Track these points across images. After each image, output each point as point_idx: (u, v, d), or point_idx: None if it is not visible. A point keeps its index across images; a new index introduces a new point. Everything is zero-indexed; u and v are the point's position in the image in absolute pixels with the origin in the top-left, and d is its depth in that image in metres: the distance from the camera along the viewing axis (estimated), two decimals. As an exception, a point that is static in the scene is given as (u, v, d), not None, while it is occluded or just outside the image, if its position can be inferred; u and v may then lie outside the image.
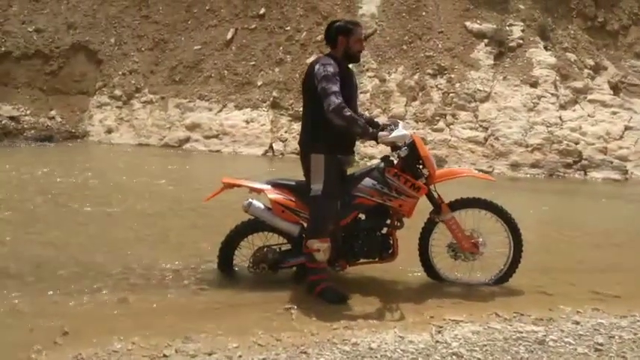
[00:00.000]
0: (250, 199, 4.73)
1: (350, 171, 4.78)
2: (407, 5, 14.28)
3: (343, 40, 4.47)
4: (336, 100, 4.19)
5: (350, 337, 3.62)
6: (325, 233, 4.43)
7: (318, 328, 3.79)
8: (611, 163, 11.18)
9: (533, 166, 11.05)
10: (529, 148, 11.34)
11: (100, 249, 5.47)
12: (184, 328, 3.71)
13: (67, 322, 3.79)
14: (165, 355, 3.33)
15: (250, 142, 12.33)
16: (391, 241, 4.68)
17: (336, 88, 4.22)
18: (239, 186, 4.93)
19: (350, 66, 4.61)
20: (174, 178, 9.72)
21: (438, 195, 4.76)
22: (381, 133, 4.38)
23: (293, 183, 4.88)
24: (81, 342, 3.48)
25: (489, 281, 4.81)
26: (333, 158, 4.39)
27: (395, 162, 4.62)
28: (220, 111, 13.26)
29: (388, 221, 4.69)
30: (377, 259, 4.74)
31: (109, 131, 13.42)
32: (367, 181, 4.59)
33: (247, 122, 12.82)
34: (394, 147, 4.53)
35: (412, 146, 4.54)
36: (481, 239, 4.72)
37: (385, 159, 4.69)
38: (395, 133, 4.42)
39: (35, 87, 14.23)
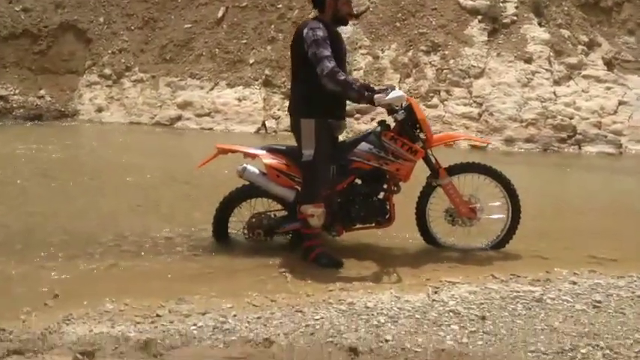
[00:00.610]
0: (245, 164, 4.66)
1: (341, 138, 4.73)
2: (400, -18, 14.14)
3: (331, 2, 4.37)
4: (329, 65, 4.11)
5: (346, 297, 3.57)
6: (319, 198, 4.36)
7: (314, 290, 3.75)
8: (606, 137, 11.15)
9: (528, 140, 11.01)
10: (523, 124, 11.29)
11: (90, 219, 5.40)
12: (177, 291, 3.66)
13: (57, 286, 3.73)
14: (158, 315, 3.27)
15: (243, 120, 12.23)
16: (388, 207, 4.63)
17: (327, 52, 4.14)
18: (233, 151, 4.86)
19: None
20: (166, 154, 9.64)
21: (436, 159, 4.71)
22: (377, 96, 4.31)
23: (287, 148, 4.82)
24: (71, 303, 3.42)
25: (486, 246, 4.76)
26: (323, 122, 4.32)
27: (392, 126, 4.56)
28: (212, 89, 13.13)
29: (385, 186, 4.64)
30: (374, 225, 4.69)
31: (100, 110, 13.28)
32: (364, 146, 4.53)
33: (239, 100, 12.71)
34: (390, 111, 4.47)
35: (409, 109, 4.49)
36: (479, 205, 4.67)
37: (382, 123, 4.62)
38: (392, 95, 4.35)
39: (24, 66, 14.04)
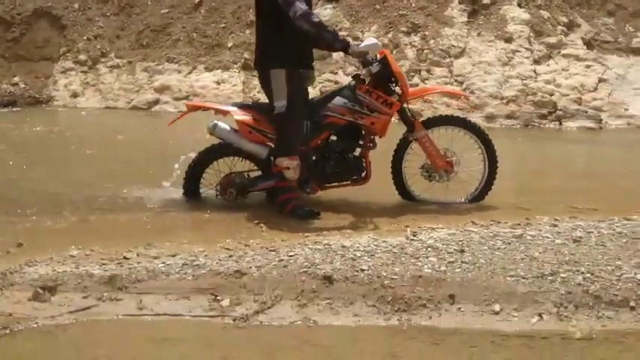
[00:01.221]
0: (215, 121, 4.54)
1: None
2: (379, -36, 14.06)
3: None
4: (302, 7, 3.99)
5: (322, 240, 3.46)
6: (294, 150, 4.25)
7: (289, 237, 3.63)
8: (586, 112, 11.13)
9: (509, 117, 10.96)
10: (504, 101, 11.23)
11: (60, 183, 5.24)
12: (147, 239, 3.53)
13: (22, 237, 3.59)
14: (125, 258, 3.14)
15: (222, 103, 12.09)
16: (364, 164, 4.52)
17: None
18: (204, 108, 4.75)
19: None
20: (139, 130, 9.48)
21: (412, 113, 4.62)
22: (352, 42, 4.23)
23: (259, 104, 4.72)
24: (36, 251, 3.28)
25: (465, 200, 4.68)
26: (294, 72, 4.20)
27: (366, 80, 4.46)
28: (190, 73, 12.94)
29: (361, 142, 4.54)
30: (349, 182, 4.58)
31: (75, 95, 13.02)
32: (338, 100, 4.42)
33: (218, 83, 12.54)
34: (364, 63, 4.37)
35: (384, 62, 4.38)
36: (455, 158, 4.59)
37: (356, 77, 4.52)
38: (366, 42, 4.27)
39: (-3, 54, 13.79)
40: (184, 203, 4.54)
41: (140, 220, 4.08)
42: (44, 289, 2.69)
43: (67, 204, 4.46)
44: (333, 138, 4.54)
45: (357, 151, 4.56)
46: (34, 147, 7.49)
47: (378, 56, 4.39)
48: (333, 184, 4.59)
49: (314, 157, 4.47)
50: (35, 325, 2.50)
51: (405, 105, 4.52)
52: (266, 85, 4.31)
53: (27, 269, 2.95)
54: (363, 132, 4.50)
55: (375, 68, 4.32)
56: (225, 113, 4.55)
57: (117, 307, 2.64)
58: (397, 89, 4.46)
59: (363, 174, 4.54)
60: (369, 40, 4.28)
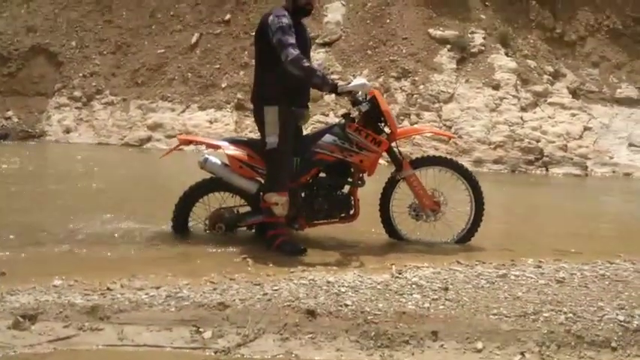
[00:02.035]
0: (206, 155, 4.57)
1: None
2: (371, 13, 14.39)
3: None
4: (293, 52, 4.09)
5: (307, 275, 3.46)
6: (283, 186, 4.29)
7: (275, 272, 3.63)
8: (572, 159, 11.32)
9: (496, 162, 11.11)
10: (492, 146, 11.41)
11: (46, 215, 5.22)
12: (133, 271, 3.52)
13: (4, 266, 3.56)
14: (109, 289, 3.12)
15: (213, 138, 12.18)
16: (352, 201, 4.55)
17: (292, 39, 4.12)
18: (196, 142, 4.79)
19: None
20: (130, 166, 9.49)
21: (400, 152, 4.68)
22: (340, 83, 4.32)
23: (250, 140, 4.77)
24: (18, 280, 3.25)
25: (452, 241, 4.70)
26: (287, 110, 4.27)
27: (355, 118, 4.53)
28: (183, 111, 13.07)
29: (350, 179, 4.58)
30: (338, 219, 4.60)
31: (67, 131, 13.08)
32: (327, 137, 4.48)
33: (211, 122, 12.65)
34: (354, 102, 4.45)
35: (373, 101, 4.46)
36: (442, 198, 4.63)
37: (346, 115, 4.59)
38: (355, 82, 4.35)
39: (-8, 88, 13.91)
40: (172, 237, 4.53)
41: (126, 252, 4.07)
42: (24, 318, 2.66)
43: (52, 235, 4.44)
44: (322, 175, 4.58)
45: (346, 189, 4.59)
46: (22, 179, 7.48)
47: (368, 96, 4.47)
48: (321, 221, 4.60)
49: (303, 194, 4.50)
50: (13, 354, 2.46)
51: (393, 144, 4.58)
52: (259, 121, 4.37)
53: (8, 298, 2.93)
54: (352, 169, 4.54)
55: (364, 107, 4.40)
56: (217, 148, 4.59)
57: (97, 337, 2.61)
58: (386, 128, 4.53)
59: (352, 211, 4.56)
60: (358, 79, 4.37)
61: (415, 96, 12.60)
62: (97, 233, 4.57)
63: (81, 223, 4.86)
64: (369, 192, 4.60)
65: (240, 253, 4.10)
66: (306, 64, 4.12)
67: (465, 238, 4.70)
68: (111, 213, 5.29)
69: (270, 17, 4.22)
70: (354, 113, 4.52)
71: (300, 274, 3.53)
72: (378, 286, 3.17)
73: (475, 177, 4.70)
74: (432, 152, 11.04)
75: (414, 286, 3.20)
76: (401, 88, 12.92)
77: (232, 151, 4.49)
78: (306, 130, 4.81)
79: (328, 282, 3.25)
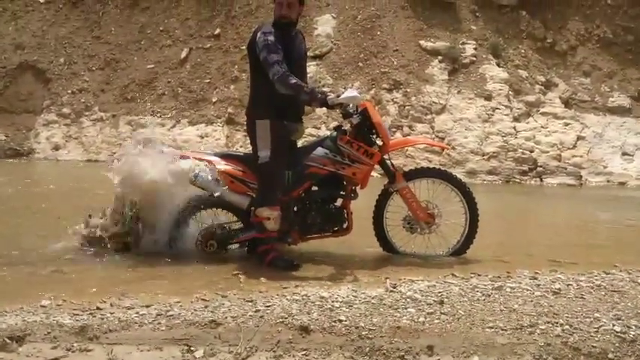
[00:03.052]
0: (197, 171, 4.51)
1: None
2: (362, 25, 14.44)
3: (274, 6, 4.35)
4: (280, 69, 4.06)
5: (300, 291, 3.41)
6: (275, 201, 4.24)
7: (267, 288, 3.57)
8: (566, 169, 11.33)
9: (490, 173, 11.12)
10: (485, 157, 11.42)
11: (32, 236, 5.09)
12: (123, 289, 3.45)
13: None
14: (98, 308, 3.05)
15: (204, 152, 12.12)
16: (345, 214, 4.50)
17: (277, 57, 4.09)
18: (185, 158, 4.72)
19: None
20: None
21: (392, 164, 4.64)
22: (330, 96, 4.26)
23: (242, 154, 4.71)
24: (5, 302, 3.18)
25: (446, 253, 4.65)
26: (279, 124, 4.23)
27: (348, 131, 4.49)
28: (174, 127, 13.03)
29: (342, 192, 4.53)
30: (331, 233, 4.55)
31: (56, 148, 13.00)
32: (319, 151, 4.43)
33: (202, 137, 12.63)
34: (345, 115, 4.41)
35: (364, 113, 4.42)
36: (437, 210, 4.59)
37: (338, 128, 4.56)
38: (345, 94, 4.30)
39: (-21, 106, 13.82)
40: (163, 254, 4.45)
41: (115, 271, 4.00)
42: (12, 339, 2.59)
43: (39, 255, 4.36)
44: (315, 188, 4.52)
45: (339, 202, 4.54)
46: (5, 198, 7.37)
47: (359, 108, 4.43)
48: (314, 235, 4.55)
49: (295, 208, 4.45)
50: (0, 377, 2.40)
51: (386, 156, 4.54)
52: (251, 135, 4.34)
53: (-5, 319, 2.86)
54: (345, 182, 4.50)
55: (355, 119, 4.37)
56: (208, 163, 4.53)
57: (87, 358, 2.54)
58: (378, 140, 4.49)
59: (345, 225, 4.51)
60: (349, 91, 4.32)
61: (407, 107, 12.61)
62: (86, 251, 4.49)
63: (69, 242, 4.77)
64: (362, 205, 4.55)
65: (232, 270, 4.04)
66: (293, 80, 4.08)
67: (460, 250, 4.65)
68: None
69: (259, 34, 4.20)
70: (346, 126, 4.49)
71: (293, 289, 3.47)
72: (373, 301, 3.12)
73: (469, 188, 4.66)
74: (425, 164, 11.03)
75: (408, 300, 3.15)
76: (393, 99, 12.94)
77: (223, 165, 4.45)
78: (299, 144, 4.77)
79: (322, 297, 3.20)
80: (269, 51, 4.10)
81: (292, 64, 4.18)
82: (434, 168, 4.87)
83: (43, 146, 12.87)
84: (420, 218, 4.53)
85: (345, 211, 4.51)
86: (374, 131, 4.46)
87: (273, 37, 4.14)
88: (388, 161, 4.58)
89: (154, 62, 14.36)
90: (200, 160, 4.58)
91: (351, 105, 4.35)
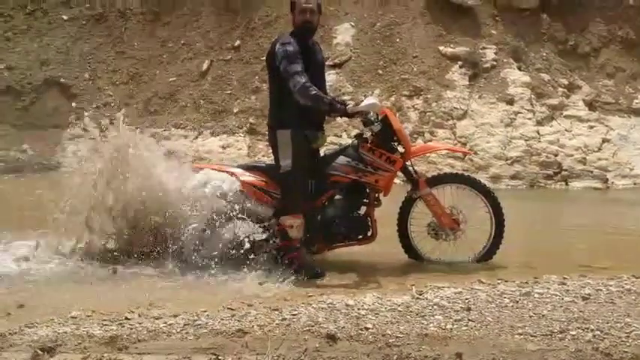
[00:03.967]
0: (220, 182, 4.54)
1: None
2: (380, 33, 14.41)
3: (292, 14, 4.41)
4: (300, 80, 4.09)
5: (326, 299, 3.40)
6: (298, 209, 4.27)
7: (293, 296, 3.59)
8: (591, 172, 11.16)
9: (514, 177, 10.99)
10: (508, 161, 11.29)
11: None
12: (149, 300, 3.49)
13: (21, 299, 3.55)
14: (127, 319, 3.09)
15: (227, 165, 12.19)
16: (370, 222, 4.50)
17: (298, 67, 4.13)
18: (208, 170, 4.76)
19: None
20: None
21: (415, 171, 4.63)
22: (349, 106, 4.28)
23: (264, 165, 4.74)
24: (36, 313, 3.24)
25: (473, 259, 4.62)
26: (299, 133, 4.27)
27: (369, 139, 4.50)
28: (196, 138, 13.11)
29: (366, 200, 4.53)
30: (356, 241, 4.55)
31: (82, 162, 13.18)
32: (341, 159, 4.45)
33: (224, 147, 12.69)
34: (366, 122, 4.42)
35: (385, 120, 4.43)
36: (461, 216, 4.56)
37: (359, 136, 4.57)
38: (365, 102, 4.32)
39: (6, 122, 13.96)
40: (189, 265, 4.47)
41: (143, 282, 4.04)
42: (43, 351, 2.64)
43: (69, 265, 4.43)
44: (338, 197, 4.52)
45: (363, 210, 4.54)
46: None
47: (380, 115, 4.44)
48: (339, 244, 4.55)
49: (319, 217, 4.45)
50: (32, 388, 2.44)
51: (408, 163, 4.54)
52: (273, 145, 4.37)
53: (27, 330, 2.90)
54: (368, 190, 4.50)
55: (376, 127, 4.37)
56: (231, 175, 4.56)
57: (116, 368, 2.58)
58: (400, 147, 4.49)
59: (369, 233, 4.51)
60: (368, 99, 4.35)
61: (428, 114, 12.54)
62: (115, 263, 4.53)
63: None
64: (385, 212, 4.54)
65: (257, 279, 4.06)
66: (313, 91, 4.10)
67: (486, 256, 4.62)
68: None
69: (277, 45, 4.25)
70: (367, 133, 4.49)
71: (319, 297, 3.47)
72: (399, 308, 3.11)
73: (494, 193, 4.63)
74: (447, 169, 10.96)
75: (435, 307, 3.14)
76: (413, 106, 12.88)
77: (246, 177, 4.48)
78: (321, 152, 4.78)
79: (347, 305, 3.20)
80: (289, 61, 4.14)
81: (311, 74, 4.21)
82: (457, 173, 4.86)
83: (69, 160, 13.05)
84: (444, 224, 4.51)
85: (369, 218, 4.51)
86: (395, 138, 4.46)
87: (292, 47, 4.18)
88: (410, 168, 4.57)
89: (175, 75, 14.48)
90: (223, 171, 4.62)
91: (371, 113, 4.36)
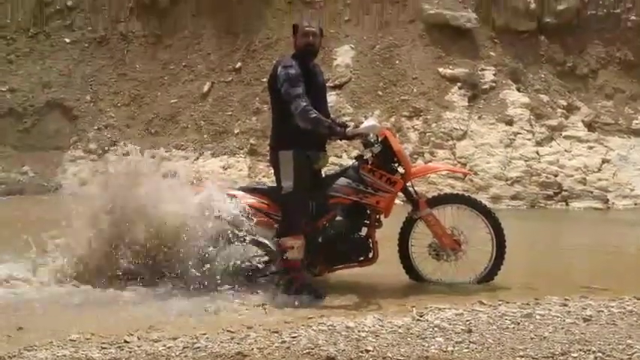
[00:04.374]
0: (223, 205, 4.53)
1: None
2: (380, 55, 14.53)
3: (294, 38, 4.44)
4: (301, 103, 4.12)
5: (326, 321, 3.39)
6: (298, 230, 4.27)
7: (293, 318, 3.57)
8: (592, 193, 11.18)
9: (514, 198, 11.01)
10: (509, 182, 11.32)
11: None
12: (149, 322, 3.47)
13: (22, 321, 3.54)
14: (126, 342, 3.07)
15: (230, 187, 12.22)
16: (371, 244, 4.49)
17: (299, 90, 4.15)
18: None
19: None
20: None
21: (416, 191, 4.63)
22: (349, 129, 4.30)
23: (266, 187, 4.75)
24: (36, 336, 3.22)
25: (474, 280, 4.60)
26: (301, 155, 4.28)
27: (369, 160, 4.50)
28: (197, 159, 13.17)
29: (367, 221, 4.53)
30: (357, 263, 4.53)
31: (83, 183, 13.18)
32: (342, 181, 4.45)
33: (224, 168, 12.74)
34: (366, 144, 4.43)
35: (385, 142, 4.44)
36: (462, 236, 4.55)
37: (359, 157, 4.58)
38: (364, 124, 4.34)
39: (8, 144, 14.08)
40: (189, 287, 4.44)
41: (140, 305, 4.01)
42: (41, 374, 2.62)
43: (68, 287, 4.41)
44: (339, 218, 4.50)
45: (364, 231, 4.53)
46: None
47: (380, 137, 4.45)
48: (340, 266, 4.54)
49: (320, 238, 4.45)
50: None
51: (408, 184, 4.54)
52: (274, 165, 4.39)
53: (26, 353, 2.89)
54: (369, 211, 4.49)
55: (376, 149, 4.38)
56: (233, 197, 4.56)
57: (115, 392, 2.56)
58: (400, 168, 4.49)
59: (371, 254, 4.49)
60: (368, 121, 4.37)
61: (428, 134, 12.60)
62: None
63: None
64: (384, 233, 4.54)
65: (257, 301, 4.04)
66: (313, 115, 4.12)
67: (487, 277, 4.59)
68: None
69: (279, 68, 4.27)
70: (367, 155, 4.50)
71: (319, 319, 3.46)
72: (400, 330, 3.10)
73: (495, 213, 4.63)
74: (447, 190, 10.94)
75: (436, 328, 3.12)
76: (413, 127, 12.94)
77: (249, 199, 4.48)
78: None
79: (348, 327, 3.18)
80: (290, 84, 4.16)
81: (312, 96, 4.23)
82: (458, 194, 4.86)
83: (69, 182, 13.10)
84: (445, 245, 4.50)
85: (370, 240, 4.50)
86: (395, 159, 4.47)
87: (294, 70, 4.21)
88: (411, 188, 4.57)
89: (177, 97, 14.59)
90: (227, 195, 4.60)
91: (371, 134, 4.38)
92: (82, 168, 13.25)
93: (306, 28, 4.35)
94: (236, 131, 13.64)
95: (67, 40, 15.72)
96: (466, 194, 4.85)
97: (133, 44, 15.55)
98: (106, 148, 13.71)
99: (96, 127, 14.34)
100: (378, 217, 4.51)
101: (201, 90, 14.69)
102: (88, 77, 15.17)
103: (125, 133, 14.16)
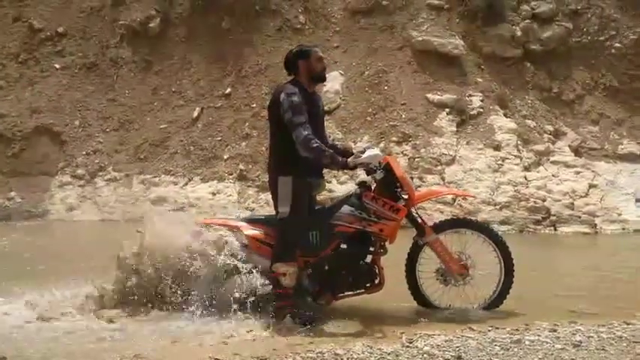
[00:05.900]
0: (225, 238, 4.52)
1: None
2: (369, 81, 14.65)
3: (304, 63, 4.39)
4: (303, 132, 4.13)
5: (314, 348, 3.36)
6: (292, 257, 4.25)
7: (281, 345, 3.54)
8: (579, 217, 11.23)
9: (503, 222, 11.03)
10: (497, 206, 11.36)
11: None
12: (135, 351, 3.42)
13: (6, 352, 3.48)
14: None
15: (217, 213, 12.14)
16: (376, 270, 4.46)
17: (302, 118, 4.17)
18: (215, 225, 4.72)
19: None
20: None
21: (421, 217, 4.61)
22: (350, 159, 4.28)
23: (264, 217, 4.71)
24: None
25: (482, 305, 4.55)
26: (301, 181, 4.27)
27: (372, 187, 4.50)
28: (186, 184, 13.15)
29: (371, 249, 4.49)
30: (363, 290, 4.49)
31: (71, 209, 13.11)
32: (345, 209, 4.42)
33: (214, 194, 12.71)
34: (369, 171, 4.42)
35: (387, 168, 4.42)
36: (470, 261, 4.51)
37: (362, 184, 4.56)
38: (366, 154, 4.31)
39: (-5, 170, 14.04)
40: (173, 315, 4.39)
41: (130, 332, 3.96)
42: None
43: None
44: (344, 246, 4.47)
45: (369, 258, 4.50)
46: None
47: (382, 163, 4.44)
48: (347, 294, 4.50)
49: (326, 267, 4.42)
50: None
51: (412, 209, 4.53)
52: (273, 191, 4.37)
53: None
54: (373, 238, 4.46)
55: (379, 175, 4.36)
56: (236, 229, 4.54)
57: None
58: (403, 194, 4.47)
59: (377, 281, 4.46)
60: (370, 151, 4.33)
61: (417, 159, 12.67)
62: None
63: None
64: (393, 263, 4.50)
65: (248, 327, 4.00)
66: (315, 144, 4.13)
67: (496, 301, 4.55)
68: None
69: (282, 95, 4.25)
70: (370, 181, 4.50)
71: (308, 346, 3.44)
72: (389, 357, 3.08)
73: (502, 237, 4.62)
74: (437, 215, 10.98)
75: (425, 355, 3.11)
76: (402, 152, 13.00)
77: (250, 230, 4.46)
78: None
79: (336, 354, 3.17)
80: (294, 112, 4.17)
81: (312, 122, 4.24)
82: (463, 218, 4.83)
83: (57, 207, 13.00)
84: (453, 270, 4.47)
85: (375, 266, 4.47)
86: (398, 185, 4.45)
87: (297, 98, 4.21)
88: (415, 214, 4.56)
89: (166, 122, 14.60)
90: (229, 226, 4.58)
91: (372, 162, 4.36)
92: (69, 193, 13.21)
93: (320, 54, 4.44)
94: (225, 157, 13.64)
95: (57, 66, 15.75)
96: (472, 218, 4.81)
97: (123, 70, 15.59)
98: (95, 173, 13.68)
99: (84, 152, 14.29)
100: (382, 243, 4.48)
101: (190, 115, 14.72)
102: (78, 102, 15.17)
103: (114, 158, 14.13)
